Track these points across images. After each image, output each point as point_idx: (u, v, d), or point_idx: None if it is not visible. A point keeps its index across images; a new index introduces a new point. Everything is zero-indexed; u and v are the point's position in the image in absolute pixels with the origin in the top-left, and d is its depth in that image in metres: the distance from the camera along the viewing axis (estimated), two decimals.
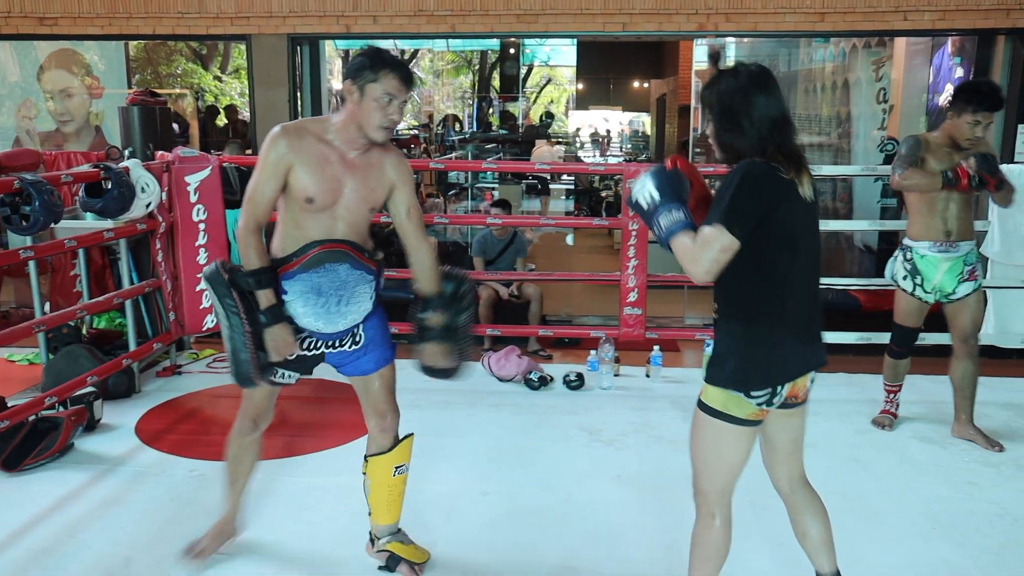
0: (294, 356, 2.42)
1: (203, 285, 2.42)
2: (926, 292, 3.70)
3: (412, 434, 2.72)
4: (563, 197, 11.73)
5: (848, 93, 7.25)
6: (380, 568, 2.71)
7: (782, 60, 7.14)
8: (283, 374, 2.50)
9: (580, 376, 4.50)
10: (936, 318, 3.93)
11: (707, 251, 1.90)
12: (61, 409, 3.67)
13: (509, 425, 3.99)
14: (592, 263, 8.59)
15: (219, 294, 2.33)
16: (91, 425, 3.77)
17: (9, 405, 3.51)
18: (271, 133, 2.34)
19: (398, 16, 6.04)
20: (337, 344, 2.52)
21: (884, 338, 4.08)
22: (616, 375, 4.61)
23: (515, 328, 5.17)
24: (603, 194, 12.40)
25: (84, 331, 4.62)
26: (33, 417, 3.45)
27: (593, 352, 4.59)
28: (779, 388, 2.03)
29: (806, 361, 2.08)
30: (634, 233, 4.51)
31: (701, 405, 2.11)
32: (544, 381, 4.50)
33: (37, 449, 3.39)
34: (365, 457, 2.68)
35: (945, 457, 3.66)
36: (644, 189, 2.02)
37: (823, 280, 4.91)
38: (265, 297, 2.34)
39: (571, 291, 6.97)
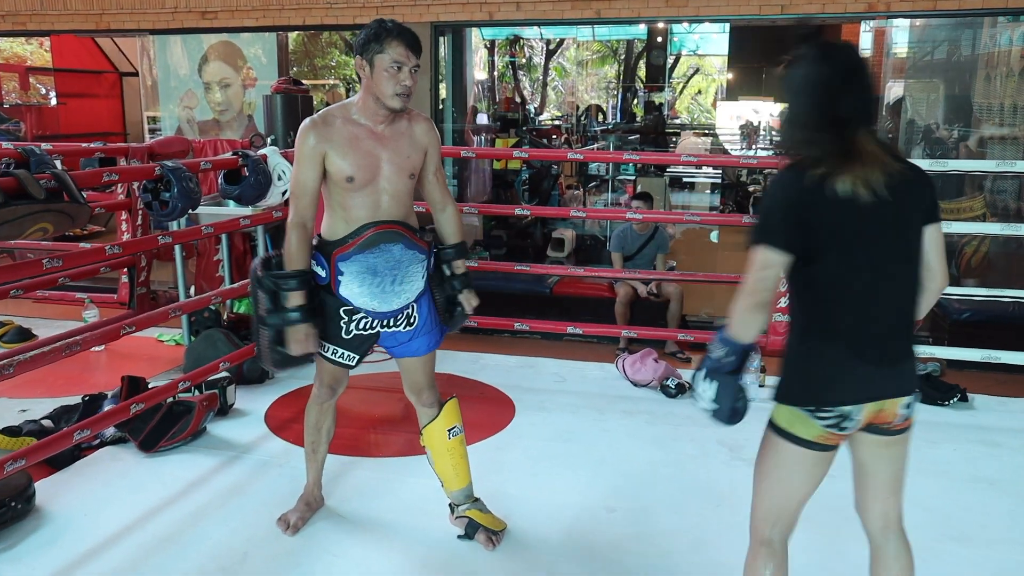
0: (323, 349, 2.59)
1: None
2: None
3: (455, 396, 2.81)
4: (708, 191, 11.24)
5: None
6: (459, 537, 2.76)
7: (964, 43, 6.43)
8: (343, 354, 2.62)
9: None
10: None
11: (749, 275, 1.80)
12: (196, 393, 3.74)
13: (642, 435, 3.73)
14: (736, 262, 8.09)
15: (252, 287, 2.52)
16: (223, 410, 3.82)
17: (151, 385, 3.61)
18: (301, 127, 2.45)
19: (541, 2, 5.86)
20: (391, 323, 2.60)
21: None
22: (761, 386, 4.24)
23: (653, 330, 4.89)
24: (750, 188, 11.79)
25: (225, 315, 4.73)
26: (169, 400, 3.52)
27: None
28: (848, 411, 1.81)
29: (882, 386, 1.83)
30: None
31: (769, 423, 1.93)
32: (682, 389, 4.20)
33: (171, 432, 3.45)
34: (420, 432, 2.78)
35: None
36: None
37: (1005, 292, 4.39)
38: (294, 297, 2.46)
39: (713, 290, 6.57)
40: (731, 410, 1.89)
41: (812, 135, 1.79)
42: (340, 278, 2.48)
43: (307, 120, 2.46)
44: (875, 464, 1.96)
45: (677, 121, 16.05)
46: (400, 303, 2.55)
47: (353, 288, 2.49)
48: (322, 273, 2.52)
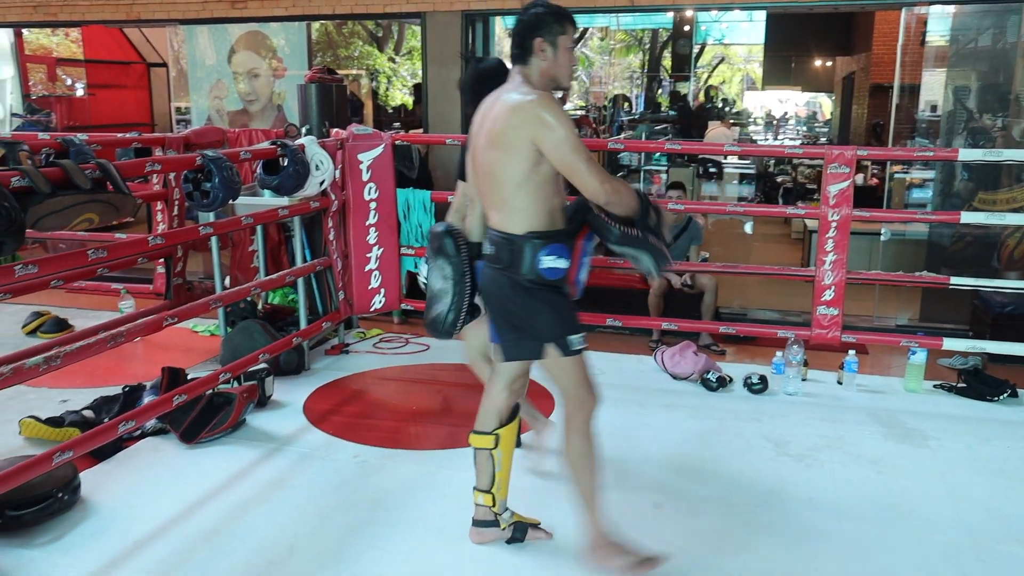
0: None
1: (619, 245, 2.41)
2: None
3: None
4: (734, 181, 11.11)
5: None
6: (508, 541, 2.66)
7: (1005, 30, 6.27)
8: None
9: (763, 379, 4.09)
10: None
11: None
12: (235, 384, 3.72)
13: (684, 429, 3.67)
14: (766, 252, 8.03)
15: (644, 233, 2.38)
16: (262, 401, 3.80)
17: (190, 376, 3.59)
18: (539, 95, 2.26)
19: None
20: None
21: None
22: (803, 380, 4.17)
23: (691, 322, 4.82)
24: (779, 179, 11.64)
25: (260, 306, 4.71)
26: (209, 391, 3.50)
27: (779, 353, 4.17)
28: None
29: None
30: (833, 225, 4.03)
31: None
32: (723, 382, 4.14)
33: (212, 423, 3.44)
34: (490, 432, 2.58)
35: None
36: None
37: None
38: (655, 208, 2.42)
39: (747, 282, 6.51)
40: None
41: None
42: (584, 260, 2.45)
43: (541, 94, 2.27)
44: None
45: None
46: None
47: (585, 270, 2.47)
48: (563, 265, 2.36)
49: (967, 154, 4.13)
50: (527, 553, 2.63)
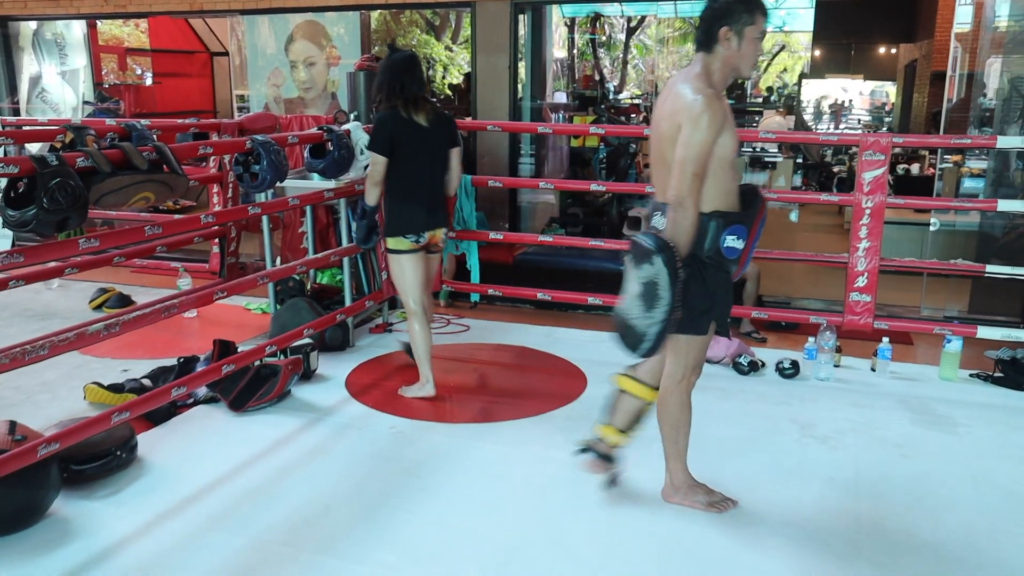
0: None
1: (644, 269, 2.38)
2: None
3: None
4: (789, 171, 10.98)
5: None
6: (607, 483, 2.88)
7: None
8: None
9: (795, 364, 4.14)
10: None
11: (371, 168, 3.58)
12: (281, 357, 3.93)
13: (713, 411, 3.74)
14: (817, 242, 7.96)
15: (672, 267, 2.33)
16: (307, 374, 4.00)
17: (240, 349, 3.81)
18: (705, 98, 2.34)
19: None
20: None
21: None
22: (836, 366, 4.20)
23: None
24: (835, 169, 11.48)
25: (308, 285, 4.92)
26: (257, 363, 3.70)
27: (811, 339, 4.20)
28: (420, 235, 3.61)
29: (430, 222, 3.65)
30: (867, 211, 4.03)
31: (387, 250, 3.68)
32: (755, 366, 4.19)
33: (259, 393, 3.64)
34: (655, 387, 2.78)
35: None
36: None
37: None
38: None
39: (792, 271, 6.49)
40: (365, 236, 3.84)
41: (394, 93, 3.47)
42: (755, 245, 2.56)
43: (709, 93, 2.35)
44: (426, 268, 3.76)
45: (760, 100, 15.67)
46: None
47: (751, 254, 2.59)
48: (740, 245, 2.49)
49: (1006, 141, 4.08)
50: (545, 521, 2.76)
